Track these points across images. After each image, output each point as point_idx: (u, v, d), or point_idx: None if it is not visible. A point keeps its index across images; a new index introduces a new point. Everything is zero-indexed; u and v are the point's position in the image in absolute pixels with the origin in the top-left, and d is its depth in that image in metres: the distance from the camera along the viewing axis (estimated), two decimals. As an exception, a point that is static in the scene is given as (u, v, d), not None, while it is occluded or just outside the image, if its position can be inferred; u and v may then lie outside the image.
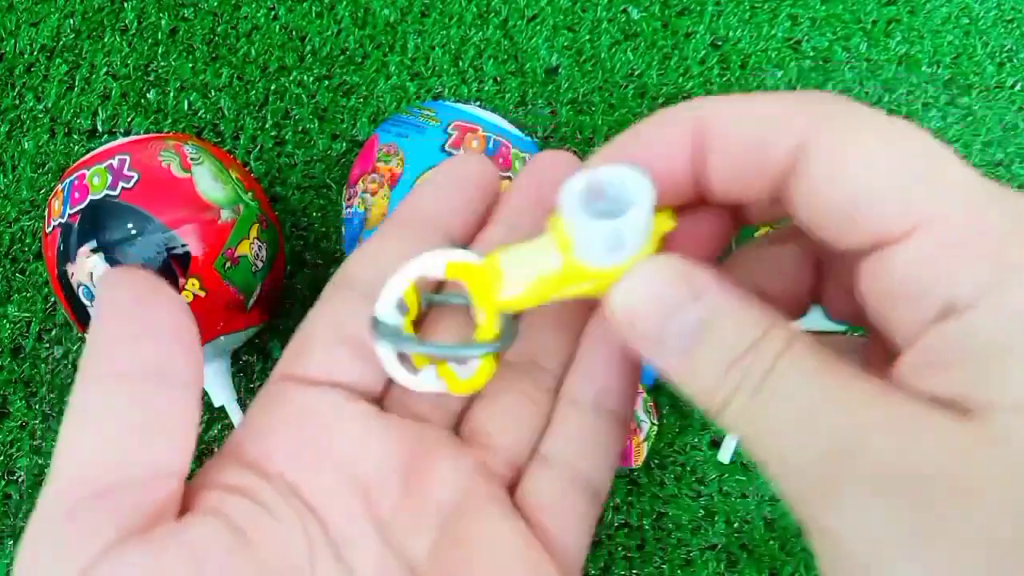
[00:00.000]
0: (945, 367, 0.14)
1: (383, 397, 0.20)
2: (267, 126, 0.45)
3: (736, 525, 0.39)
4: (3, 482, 0.40)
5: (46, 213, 0.36)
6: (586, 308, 0.21)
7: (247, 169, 0.43)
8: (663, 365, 0.17)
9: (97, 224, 0.33)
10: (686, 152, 0.17)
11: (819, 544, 0.14)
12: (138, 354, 0.17)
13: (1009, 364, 0.13)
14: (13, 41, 0.46)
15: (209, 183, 0.35)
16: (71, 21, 0.46)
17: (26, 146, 0.44)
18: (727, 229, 0.19)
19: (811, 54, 0.46)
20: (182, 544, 0.16)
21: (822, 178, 0.15)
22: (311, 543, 0.18)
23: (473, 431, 0.20)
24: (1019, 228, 0.14)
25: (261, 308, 0.37)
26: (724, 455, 0.38)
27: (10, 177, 0.44)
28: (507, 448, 0.20)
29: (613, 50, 0.46)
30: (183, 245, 0.33)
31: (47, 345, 0.42)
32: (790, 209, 0.16)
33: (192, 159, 0.35)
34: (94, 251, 0.33)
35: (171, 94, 0.45)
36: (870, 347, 0.18)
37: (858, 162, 0.15)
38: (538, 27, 0.46)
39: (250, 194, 0.37)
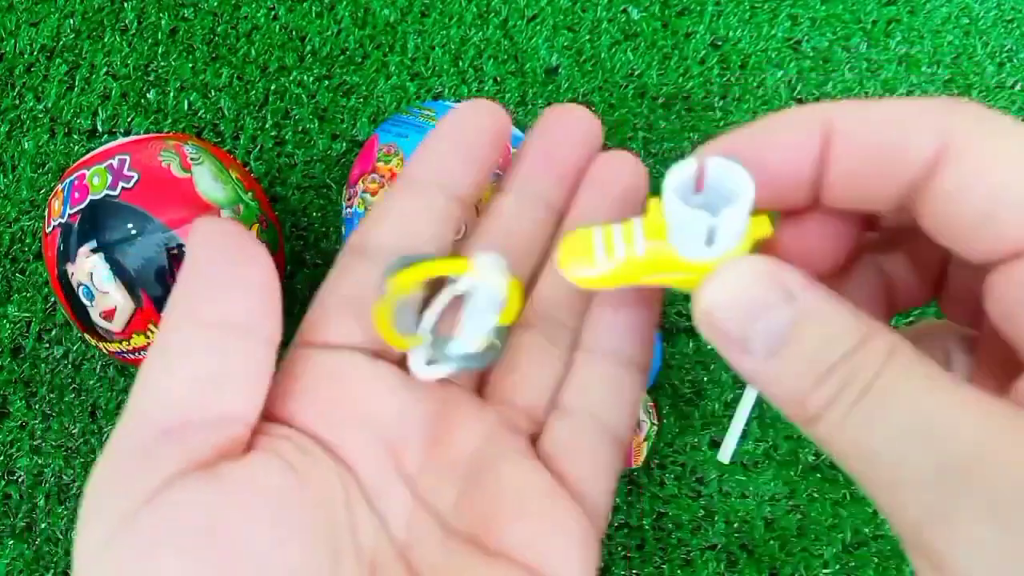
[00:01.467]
0: None
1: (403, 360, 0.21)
2: (267, 126, 0.45)
3: (736, 525, 0.39)
4: (3, 482, 0.40)
5: (46, 213, 0.36)
6: None
7: (247, 169, 0.43)
8: (749, 368, 0.16)
9: (97, 224, 0.33)
10: (812, 154, 0.16)
11: (923, 566, 0.14)
12: (224, 305, 0.18)
13: None
14: (13, 41, 0.46)
15: (209, 183, 0.35)
16: (71, 21, 0.46)
17: (26, 146, 0.44)
18: (844, 242, 0.18)
19: (811, 54, 0.46)
20: (242, 476, 0.16)
21: (964, 181, 0.14)
22: (347, 491, 0.18)
23: (494, 390, 0.21)
24: None
25: (261, 308, 0.37)
26: (724, 455, 0.38)
27: (10, 177, 0.44)
28: (528, 403, 0.20)
29: (613, 50, 0.46)
30: (183, 245, 0.33)
31: (47, 345, 0.42)
32: (919, 216, 0.15)
33: (192, 159, 0.35)
34: (94, 251, 0.33)
35: (171, 94, 0.45)
36: (983, 352, 0.17)
37: (1005, 166, 0.14)
38: (538, 27, 0.46)
39: (250, 194, 0.37)
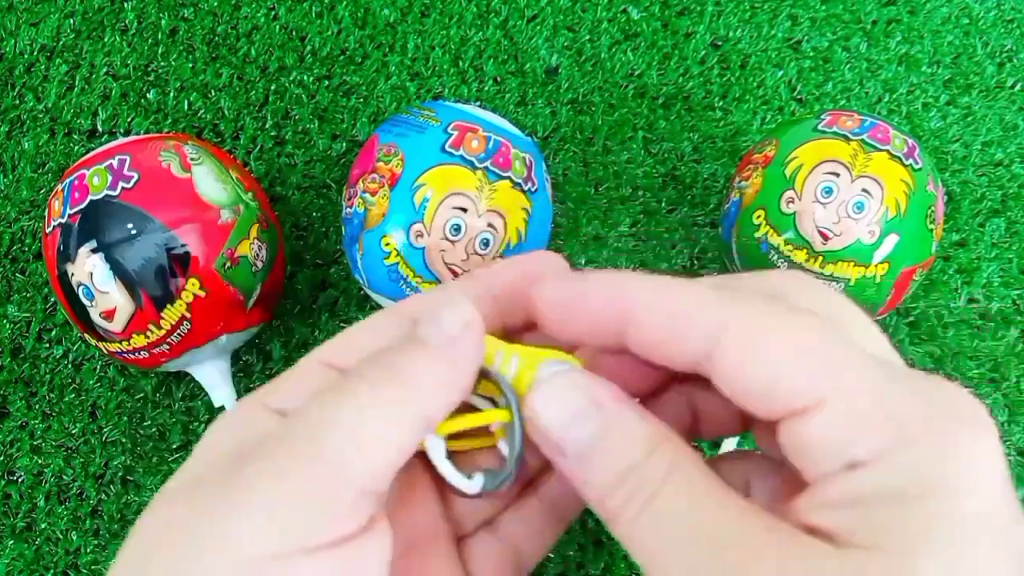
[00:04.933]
0: (835, 507, 0.17)
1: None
2: (267, 126, 0.45)
3: (736, 525, 0.39)
4: (3, 482, 0.40)
5: (46, 213, 0.36)
6: None
7: (247, 169, 0.43)
8: (563, 469, 0.19)
9: (97, 224, 0.33)
10: (615, 323, 0.19)
11: None
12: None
13: (875, 514, 0.16)
14: (13, 41, 0.46)
15: (209, 183, 0.35)
16: (71, 21, 0.46)
17: (26, 146, 0.44)
18: (650, 375, 0.21)
19: (811, 54, 0.46)
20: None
21: (733, 368, 0.18)
22: None
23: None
24: (910, 402, 0.17)
25: (261, 308, 0.37)
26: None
27: (10, 177, 0.44)
28: (471, 512, 0.23)
29: (613, 50, 0.46)
30: (183, 245, 0.33)
31: (47, 345, 0.42)
32: (712, 380, 0.18)
33: (192, 159, 0.35)
34: (94, 251, 0.33)
35: (171, 94, 0.45)
36: (787, 477, 0.20)
37: (765, 354, 0.17)
38: (538, 27, 0.46)
39: (250, 194, 0.37)
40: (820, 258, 0.34)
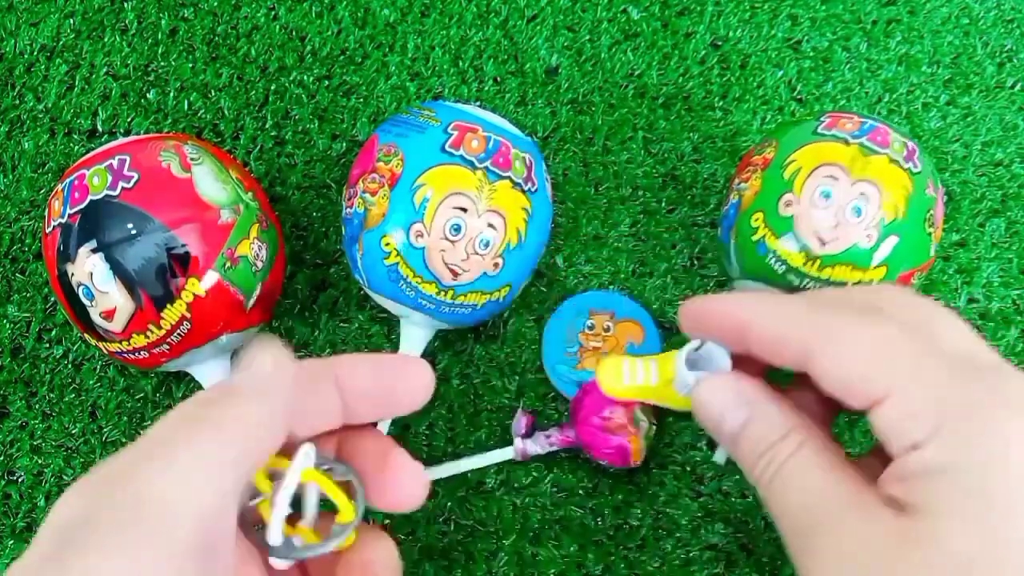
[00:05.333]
0: (902, 480, 0.21)
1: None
2: (267, 126, 0.45)
3: (736, 525, 0.39)
4: (3, 482, 0.40)
5: (46, 213, 0.36)
6: None
7: (247, 169, 0.43)
8: (725, 445, 0.26)
9: (97, 224, 0.33)
10: (735, 336, 0.26)
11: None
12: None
13: (934, 486, 0.20)
14: (13, 41, 0.46)
15: (209, 183, 0.35)
16: (71, 21, 0.46)
17: (26, 146, 0.44)
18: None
19: (811, 54, 0.46)
20: None
21: (824, 372, 0.23)
22: None
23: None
24: (960, 390, 0.21)
25: (261, 308, 0.37)
26: (720, 456, 0.38)
27: (10, 177, 0.44)
28: None
29: (613, 50, 0.46)
30: (183, 245, 0.33)
31: (47, 345, 0.42)
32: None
33: (192, 159, 0.35)
34: (94, 251, 0.33)
35: (171, 94, 0.45)
36: None
37: (845, 359, 0.22)
38: (538, 27, 0.46)
39: (250, 194, 0.37)
40: (818, 261, 0.34)
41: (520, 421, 0.38)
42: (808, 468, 0.23)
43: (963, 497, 0.20)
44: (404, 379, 0.23)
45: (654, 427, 0.38)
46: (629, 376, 0.29)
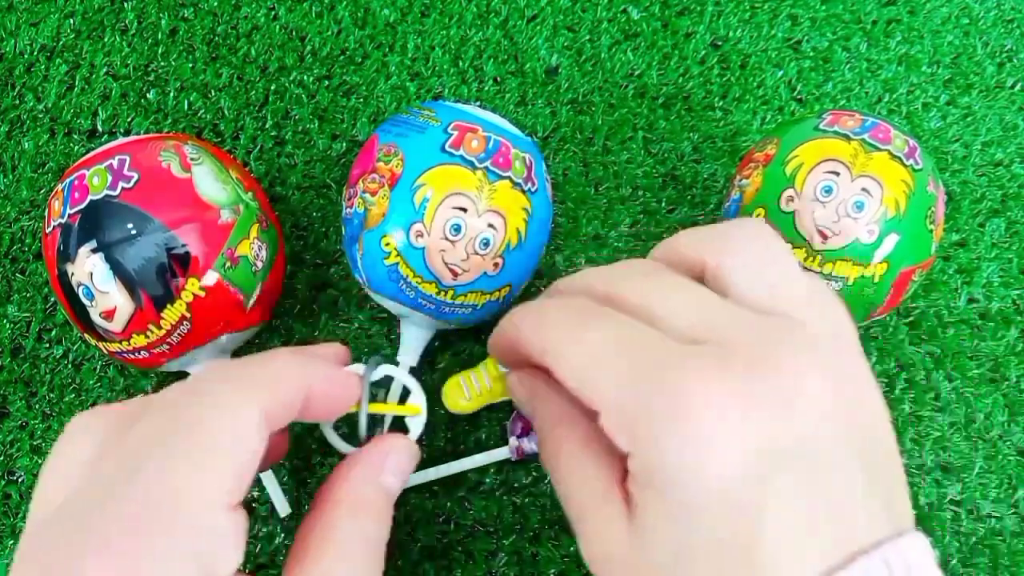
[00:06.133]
0: (631, 481, 0.22)
1: None
2: (267, 126, 0.45)
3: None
4: (3, 482, 0.40)
5: (46, 213, 0.36)
6: None
7: (247, 169, 0.43)
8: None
9: (97, 224, 0.33)
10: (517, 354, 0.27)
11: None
12: None
13: (644, 491, 0.22)
14: (13, 41, 0.46)
15: (209, 183, 0.35)
16: (71, 21, 0.46)
17: (26, 146, 0.44)
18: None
19: (811, 54, 0.46)
20: None
21: (556, 375, 0.24)
22: None
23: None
24: (642, 404, 0.21)
25: (261, 308, 0.37)
26: None
27: (10, 177, 0.44)
28: None
29: (613, 50, 0.46)
30: (183, 245, 0.33)
31: (47, 345, 0.42)
32: None
33: (192, 159, 0.35)
34: (94, 251, 0.33)
35: (171, 94, 0.45)
36: None
37: (564, 377, 0.24)
38: (538, 27, 0.46)
39: (250, 194, 0.37)
40: (819, 257, 0.34)
41: (516, 422, 0.38)
42: (574, 459, 0.25)
43: (662, 501, 0.21)
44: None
45: None
46: (468, 389, 0.36)
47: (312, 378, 0.25)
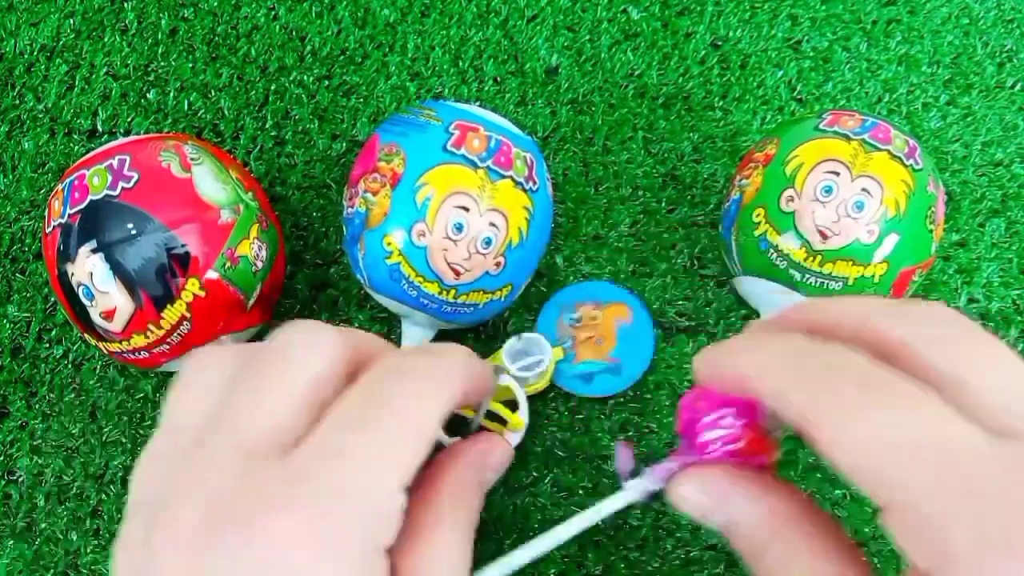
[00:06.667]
0: None
1: None
2: (267, 126, 0.45)
3: (737, 525, 0.39)
4: (3, 482, 0.40)
5: (46, 213, 0.36)
6: None
7: (247, 169, 0.43)
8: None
9: (97, 224, 0.33)
10: (739, 390, 0.23)
11: None
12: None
13: None
14: (13, 41, 0.46)
15: (209, 183, 0.35)
16: (71, 21, 0.46)
17: (26, 146, 0.44)
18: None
19: (811, 54, 0.46)
20: None
21: (824, 451, 0.19)
22: None
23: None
24: (962, 518, 0.17)
25: (261, 308, 0.37)
26: None
27: (10, 177, 0.44)
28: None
29: (613, 50, 0.46)
30: (183, 245, 0.33)
31: (47, 345, 0.42)
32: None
33: (192, 159, 0.35)
34: (94, 251, 0.33)
35: (171, 94, 0.45)
36: None
37: (842, 450, 0.18)
38: (538, 27, 0.46)
39: (250, 194, 0.37)
40: (819, 257, 0.34)
41: (621, 455, 0.29)
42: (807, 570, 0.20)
43: None
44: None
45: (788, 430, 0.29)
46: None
47: (476, 376, 0.25)
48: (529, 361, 0.38)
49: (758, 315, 0.40)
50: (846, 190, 0.34)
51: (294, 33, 0.46)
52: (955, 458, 0.17)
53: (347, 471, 0.20)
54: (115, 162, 0.34)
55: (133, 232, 0.33)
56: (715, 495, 0.23)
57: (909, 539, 0.17)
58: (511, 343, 0.38)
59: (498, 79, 0.45)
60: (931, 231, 0.35)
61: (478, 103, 0.45)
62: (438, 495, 0.25)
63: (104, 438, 0.40)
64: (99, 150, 0.36)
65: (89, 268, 0.33)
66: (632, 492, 0.26)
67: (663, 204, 0.43)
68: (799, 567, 0.20)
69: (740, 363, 0.22)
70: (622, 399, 0.40)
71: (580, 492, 0.39)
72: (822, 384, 0.19)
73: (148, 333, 0.34)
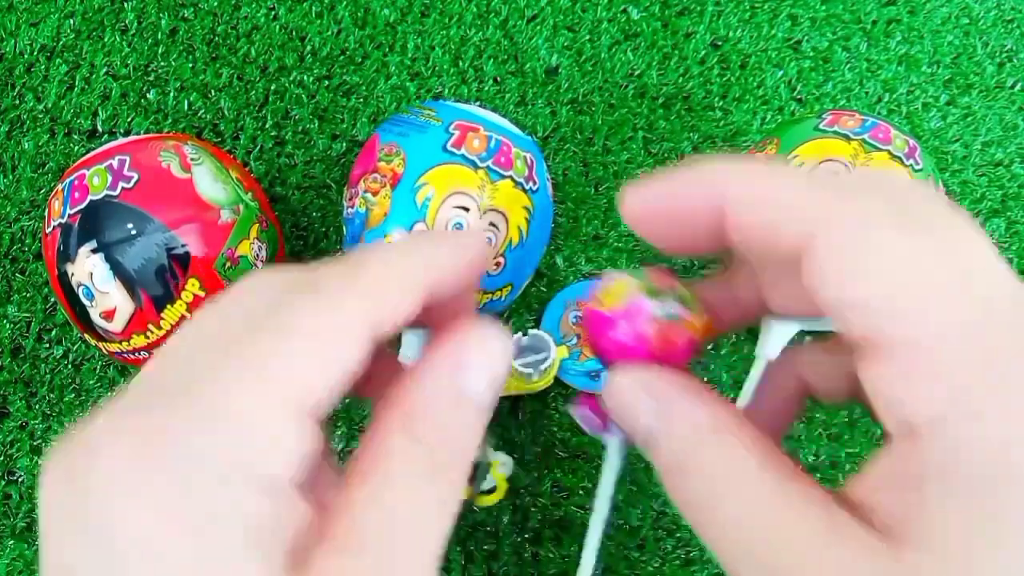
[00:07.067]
0: (891, 488, 0.15)
1: None
2: (267, 126, 0.45)
3: (737, 525, 0.39)
4: (3, 482, 0.40)
5: (46, 213, 0.36)
6: None
7: (247, 169, 0.43)
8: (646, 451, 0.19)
9: (97, 224, 0.33)
10: (711, 215, 0.18)
11: None
12: None
13: (930, 502, 0.14)
14: (13, 41, 0.46)
15: (209, 183, 0.35)
16: (71, 21, 0.46)
17: (26, 146, 0.44)
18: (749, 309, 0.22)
19: (811, 54, 0.46)
20: None
21: (821, 273, 0.16)
22: None
23: None
24: (989, 363, 0.14)
25: (261, 308, 0.37)
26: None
27: (10, 177, 0.44)
28: None
29: (613, 50, 0.46)
30: (183, 245, 0.33)
31: (47, 345, 0.42)
32: (803, 283, 0.16)
33: (192, 159, 0.35)
34: (94, 251, 0.33)
35: (171, 94, 0.45)
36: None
37: (855, 267, 0.15)
38: (538, 27, 0.46)
39: (250, 194, 0.37)
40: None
41: (584, 417, 0.24)
42: (753, 484, 0.16)
43: (989, 530, 0.13)
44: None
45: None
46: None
47: (444, 258, 0.19)
48: (533, 359, 0.38)
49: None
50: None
51: (294, 33, 0.46)
52: (987, 302, 0.14)
53: (217, 394, 0.15)
54: (115, 162, 0.34)
55: (133, 232, 0.33)
56: (658, 396, 0.19)
57: (909, 388, 0.15)
58: (516, 339, 0.38)
59: (498, 79, 0.45)
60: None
61: (478, 103, 0.45)
62: (382, 423, 0.18)
63: (104, 438, 0.40)
64: (99, 150, 0.36)
65: (89, 268, 0.33)
66: (613, 448, 0.24)
67: (663, 204, 0.43)
68: (736, 482, 0.17)
69: (714, 182, 0.18)
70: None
71: (580, 492, 0.39)
72: (826, 188, 0.16)
73: (148, 333, 0.34)
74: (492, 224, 0.34)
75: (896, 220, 0.15)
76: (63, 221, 0.34)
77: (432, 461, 0.18)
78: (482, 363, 0.18)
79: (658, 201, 0.18)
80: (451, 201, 0.34)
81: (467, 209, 0.34)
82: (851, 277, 0.15)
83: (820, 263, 0.15)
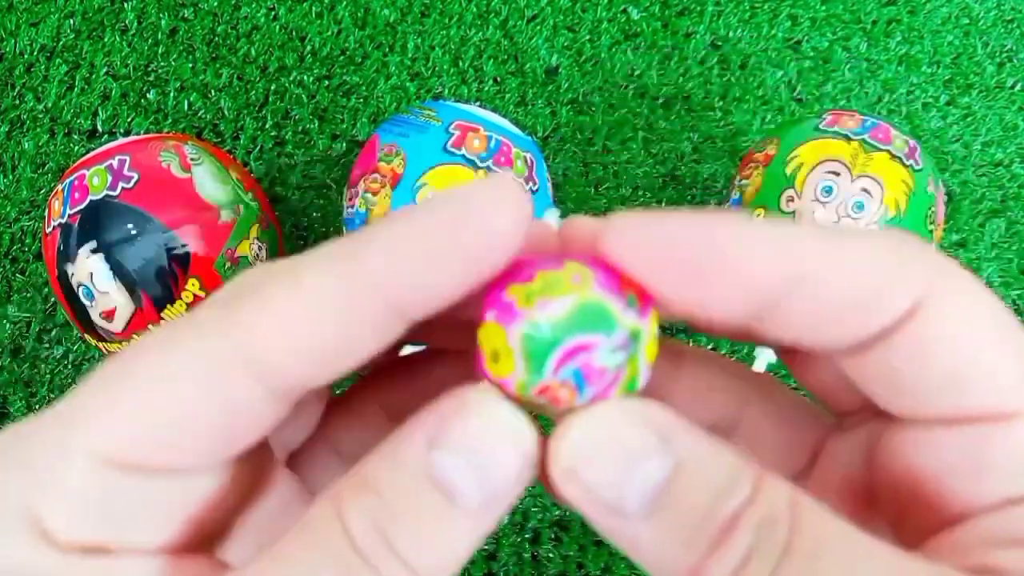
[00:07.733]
0: (998, 544, 0.13)
1: None
2: (267, 126, 0.45)
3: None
4: (3, 482, 0.40)
5: (46, 213, 0.36)
6: None
7: (247, 169, 0.43)
8: (628, 536, 0.13)
9: (97, 224, 0.33)
10: (761, 295, 0.13)
11: None
12: None
13: None
14: (13, 41, 0.46)
15: (209, 183, 0.35)
16: (71, 21, 0.46)
17: (26, 146, 0.44)
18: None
19: (811, 54, 0.46)
20: None
21: (935, 341, 0.13)
22: None
23: None
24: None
25: (261, 308, 0.37)
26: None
27: (10, 177, 0.44)
28: None
29: (613, 50, 0.46)
30: (183, 245, 0.33)
31: (47, 345, 0.42)
32: (861, 368, 0.14)
33: (192, 159, 0.35)
34: (94, 251, 0.33)
35: (171, 94, 0.45)
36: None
37: (982, 329, 0.13)
38: (538, 27, 0.46)
39: (250, 194, 0.37)
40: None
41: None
42: (844, 544, 0.12)
43: None
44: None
45: None
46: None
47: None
48: None
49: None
50: (846, 190, 0.34)
51: (294, 33, 0.46)
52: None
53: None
54: (115, 162, 0.34)
55: (133, 232, 0.33)
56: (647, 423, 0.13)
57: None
58: None
59: (498, 79, 0.45)
60: (931, 231, 0.35)
61: (478, 103, 0.45)
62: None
63: (104, 438, 0.40)
64: (99, 150, 0.36)
65: (89, 268, 0.33)
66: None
67: (663, 204, 0.43)
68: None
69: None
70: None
71: (580, 492, 0.39)
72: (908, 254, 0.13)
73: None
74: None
75: (976, 286, 0.13)
76: (63, 221, 0.34)
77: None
78: (467, 447, 0.13)
79: (696, 260, 0.13)
80: (451, 201, 0.34)
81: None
82: (975, 348, 0.13)
83: (935, 327, 0.13)
